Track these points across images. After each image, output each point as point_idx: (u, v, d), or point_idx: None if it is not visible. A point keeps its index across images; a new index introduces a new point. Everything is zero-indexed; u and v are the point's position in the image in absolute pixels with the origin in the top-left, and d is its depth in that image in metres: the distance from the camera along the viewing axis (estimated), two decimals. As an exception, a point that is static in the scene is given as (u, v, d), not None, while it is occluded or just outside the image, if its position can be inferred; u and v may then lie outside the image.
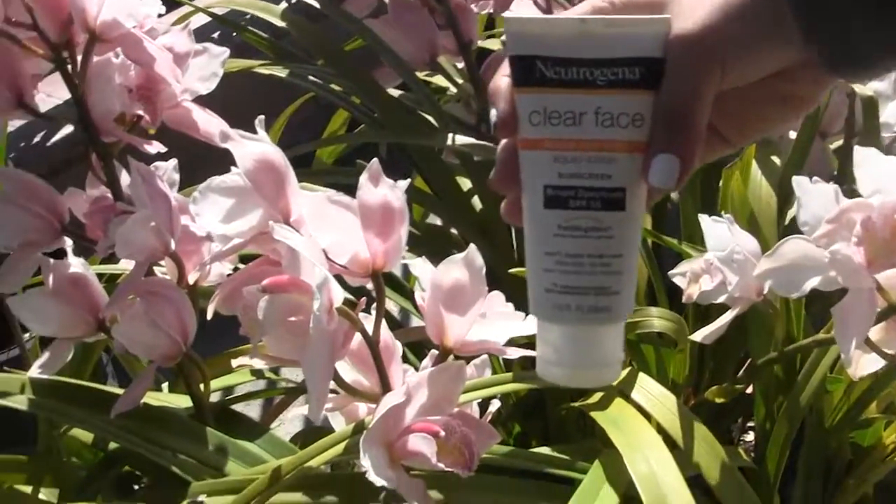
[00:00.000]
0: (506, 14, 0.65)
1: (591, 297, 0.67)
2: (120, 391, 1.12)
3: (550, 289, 0.68)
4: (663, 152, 0.64)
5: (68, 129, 1.04)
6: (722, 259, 1.15)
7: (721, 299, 1.17)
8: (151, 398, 1.14)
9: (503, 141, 0.69)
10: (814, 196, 0.99)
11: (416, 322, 1.68)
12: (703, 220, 1.19)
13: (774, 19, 0.63)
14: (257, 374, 1.27)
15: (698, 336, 1.22)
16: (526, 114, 0.67)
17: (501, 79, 0.67)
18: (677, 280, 1.25)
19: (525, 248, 0.69)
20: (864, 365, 1.07)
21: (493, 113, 0.67)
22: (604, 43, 0.65)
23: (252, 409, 1.87)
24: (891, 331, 1.02)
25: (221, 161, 0.94)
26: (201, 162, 1.14)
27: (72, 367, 1.25)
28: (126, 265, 1.19)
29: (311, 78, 1.72)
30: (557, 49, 0.65)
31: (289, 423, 1.85)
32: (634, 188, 0.66)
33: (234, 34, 1.90)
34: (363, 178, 0.89)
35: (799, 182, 1.01)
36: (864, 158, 0.94)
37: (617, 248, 0.67)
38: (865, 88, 1.51)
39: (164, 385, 1.33)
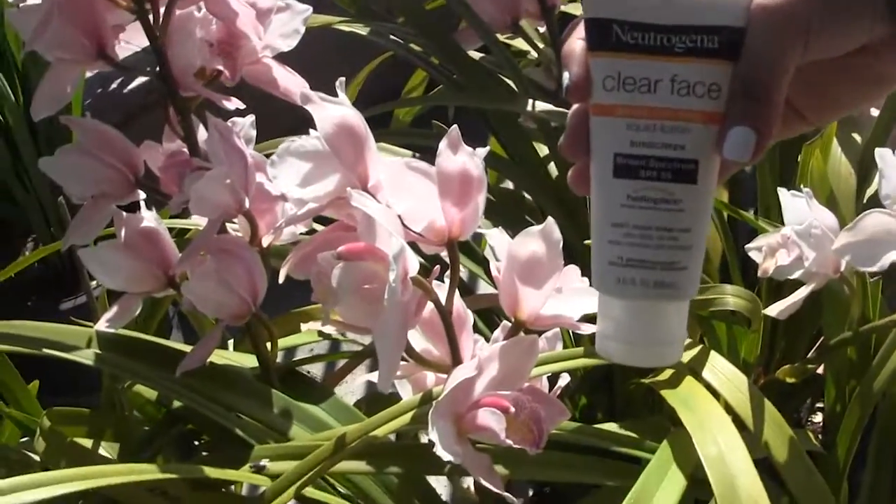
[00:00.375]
0: None
1: (657, 272, 0.66)
2: (185, 347, 1.12)
3: (615, 261, 0.66)
4: (740, 124, 0.62)
5: (145, 76, 1.04)
6: (800, 233, 1.13)
7: (797, 275, 1.16)
8: (217, 356, 1.14)
9: (574, 106, 0.67)
10: (892, 165, 0.97)
11: (483, 286, 1.67)
12: (782, 193, 1.18)
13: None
14: (322, 334, 1.26)
15: (772, 311, 1.20)
16: (600, 78, 0.65)
17: (576, 42, 0.66)
18: (753, 254, 1.23)
19: (591, 218, 0.68)
20: None
21: (566, 76, 0.66)
22: (683, 9, 0.63)
23: (315, 368, 1.87)
24: None
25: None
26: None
27: (138, 320, 1.25)
28: (198, 220, 1.18)
29: (391, 37, 1.71)
30: (635, 13, 0.63)
31: (351, 384, 1.85)
32: (707, 161, 0.65)
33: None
34: (442, 145, 0.87)
35: (882, 154, 1.00)
36: None
37: (687, 221, 0.65)
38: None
39: (230, 342, 1.33)
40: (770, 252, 1.19)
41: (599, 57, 0.65)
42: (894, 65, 0.65)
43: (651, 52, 0.63)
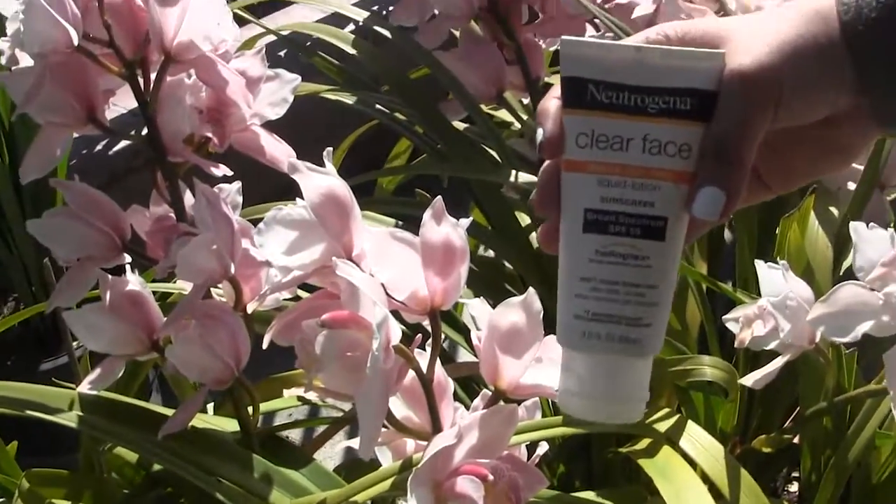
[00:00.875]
0: (563, 36, 0.66)
1: (622, 327, 0.67)
2: (165, 410, 1.13)
3: (581, 315, 0.67)
4: (710, 185, 0.63)
5: (133, 140, 1.06)
6: (775, 304, 1.15)
7: (773, 346, 1.17)
8: (198, 420, 1.14)
9: (546, 163, 0.68)
10: (870, 241, 1.00)
11: (463, 353, 1.68)
12: (759, 265, 1.20)
13: (831, 63, 0.64)
14: (302, 400, 1.27)
15: (748, 381, 1.22)
16: (573, 135, 0.67)
17: (551, 100, 0.68)
18: (730, 325, 1.25)
19: (559, 274, 0.69)
20: None
21: (540, 132, 0.67)
22: (658, 72, 0.65)
23: (294, 433, 1.87)
24: None
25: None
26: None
27: (119, 382, 1.25)
28: (182, 285, 1.19)
29: (377, 106, 1.73)
30: (611, 74, 0.65)
31: (331, 450, 1.85)
32: (676, 219, 0.66)
33: (300, 54, 1.91)
34: (427, 216, 0.89)
35: (856, 228, 1.02)
36: None
37: (653, 278, 0.67)
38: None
39: (210, 406, 1.33)
40: (747, 323, 1.21)
41: (574, 114, 0.67)
42: (856, 136, 0.68)
43: (625, 111, 0.65)
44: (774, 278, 1.17)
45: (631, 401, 0.69)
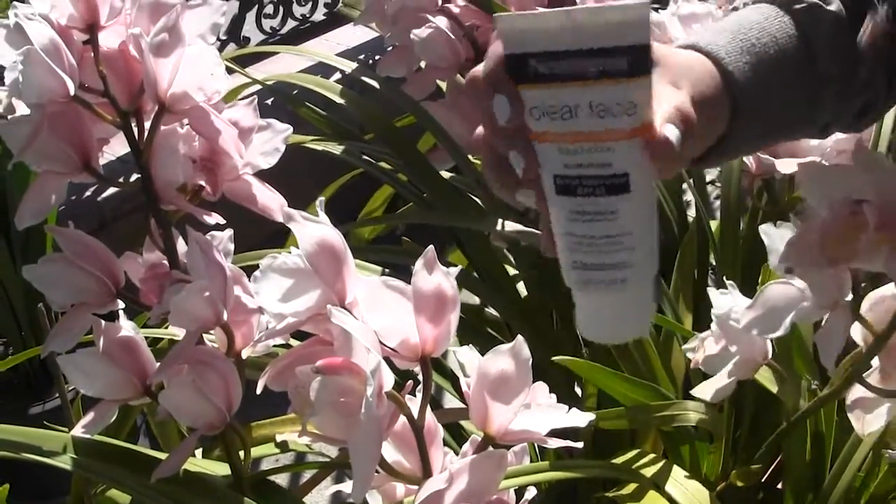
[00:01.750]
0: (496, 14, 0.69)
1: (606, 272, 0.73)
2: (153, 452, 1.14)
3: (572, 265, 0.74)
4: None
5: (128, 188, 1.08)
6: (719, 318, 1.17)
7: (728, 366, 1.19)
8: (189, 464, 1.15)
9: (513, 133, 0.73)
10: (776, 239, 1.02)
11: (449, 399, 1.70)
12: (711, 292, 1.22)
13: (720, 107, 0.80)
14: (283, 445, 1.28)
15: (702, 393, 1.23)
16: (528, 109, 0.70)
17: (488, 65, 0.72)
18: (689, 354, 1.27)
19: (552, 226, 0.74)
20: (870, 422, 1.08)
21: (500, 112, 0.71)
22: (589, 33, 0.68)
23: (281, 479, 1.88)
24: (887, 377, 1.04)
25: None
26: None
27: (110, 426, 1.26)
28: (174, 330, 1.20)
29: (363, 156, 1.75)
30: (546, 43, 0.68)
31: (318, 495, 1.86)
32: (637, 170, 0.70)
33: (288, 105, 1.93)
34: (418, 265, 0.91)
35: (766, 231, 1.04)
36: (808, 173, 0.96)
37: (627, 226, 0.72)
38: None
39: (198, 450, 1.34)
40: (700, 344, 1.23)
41: (523, 89, 0.70)
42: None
43: (567, 79, 0.69)
44: (725, 301, 1.19)
45: (632, 322, 0.77)
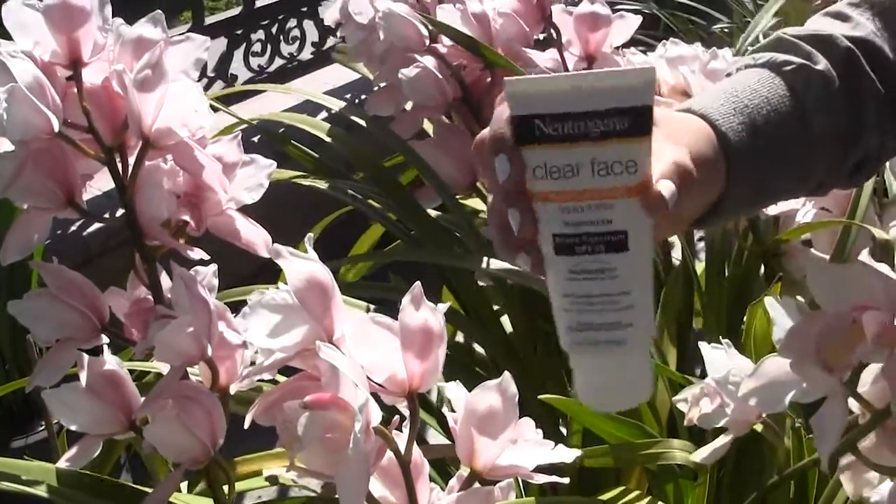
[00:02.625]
0: (506, 77, 0.71)
1: (604, 332, 0.73)
2: (138, 486, 1.14)
3: (570, 326, 0.73)
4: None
5: (112, 223, 1.08)
6: (718, 381, 1.17)
7: (722, 423, 1.19)
8: (173, 498, 1.15)
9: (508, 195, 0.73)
10: (782, 312, 1.02)
11: (434, 434, 1.69)
12: (703, 346, 1.21)
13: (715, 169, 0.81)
14: (270, 479, 1.27)
15: (698, 457, 1.23)
16: (530, 169, 0.71)
17: (502, 135, 0.73)
18: (680, 405, 1.27)
19: (549, 289, 0.74)
20: (861, 486, 1.08)
21: (501, 171, 0.72)
22: (593, 96, 0.69)
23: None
24: (881, 446, 1.03)
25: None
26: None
27: (94, 460, 1.26)
28: (159, 365, 1.20)
29: (349, 192, 1.75)
30: (552, 106, 0.70)
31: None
32: (636, 228, 0.71)
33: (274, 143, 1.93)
34: (405, 301, 0.91)
35: (770, 302, 1.04)
36: (817, 269, 0.97)
37: (625, 285, 0.72)
38: (883, 234, 1.54)
39: (184, 485, 1.33)
40: (694, 402, 1.23)
41: (526, 150, 0.71)
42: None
43: (570, 139, 0.70)
44: (719, 357, 1.19)
45: (632, 388, 0.76)
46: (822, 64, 0.89)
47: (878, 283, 0.92)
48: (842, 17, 0.95)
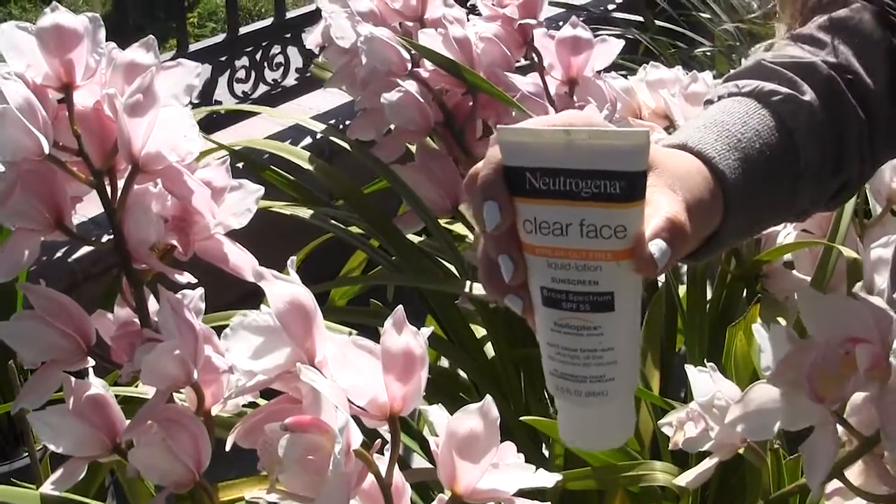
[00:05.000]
0: (499, 125, 0.71)
1: (587, 384, 0.73)
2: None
3: (553, 373, 0.74)
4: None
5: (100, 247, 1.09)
6: (703, 406, 1.18)
7: (706, 447, 1.20)
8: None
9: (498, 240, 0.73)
10: (771, 340, 1.02)
11: (418, 459, 1.70)
12: (689, 370, 1.22)
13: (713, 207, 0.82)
14: (253, 504, 1.28)
15: (682, 480, 1.24)
16: (521, 221, 0.72)
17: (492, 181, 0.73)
18: (665, 429, 1.28)
19: (536, 332, 0.75)
20: None
21: (491, 222, 0.72)
22: (587, 154, 0.69)
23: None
24: (869, 472, 1.04)
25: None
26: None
27: (78, 483, 1.26)
28: (145, 388, 1.21)
29: (332, 221, 1.76)
30: (545, 160, 0.70)
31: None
32: (623, 289, 0.71)
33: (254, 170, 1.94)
34: (388, 324, 0.92)
35: (758, 330, 1.05)
36: (809, 301, 0.98)
37: (608, 343, 0.72)
38: (853, 253, 1.55)
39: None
40: (679, 426, 1.24)
41: (518, 202, 0.71)
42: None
43: (561, 196, 0.70)
44: (704, 381, 1.20)
45: (611, 433, 0.77)
46: (808, 94, 0.90)
47: (870, 315, 0.93)
48: (816, 42, 0.96)
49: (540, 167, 0.70)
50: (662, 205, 0.73)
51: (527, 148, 0.70)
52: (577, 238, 0.70)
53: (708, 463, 1.21)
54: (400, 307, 0.93)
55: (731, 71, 0.96)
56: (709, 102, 0.93)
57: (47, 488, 1.12)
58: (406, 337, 0.92)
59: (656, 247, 0.70)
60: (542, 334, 0.74)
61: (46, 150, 1.04)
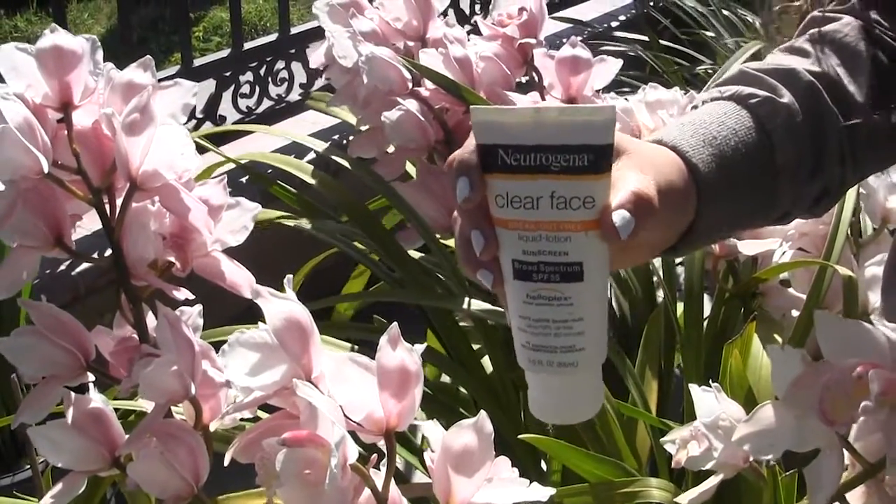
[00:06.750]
0: (472, 106, 0.75)
1: (557, 355, 0.76)
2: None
3: (524, 345, 0.77)
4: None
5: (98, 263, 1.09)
6: (707, 425, 1.18)
7: (709, 466, 1.21)
8: (156, 535, 1.17)
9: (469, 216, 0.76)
10: (784, 362, 1.03)
11: (419, 475, 1.71)
12: (693, 389, 1.23)
13: (684, 198, 0.84)
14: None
15: (684, 500, 1.25)
16: (492, 196, 0.74)
17: (468, 161, 0.75)
18: (668, 447, 1.28)
19: (507, 307, 0.77)
20: None
21: (461, 191, 0.75)
22: (556, 130, 0.72)
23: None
24: (870, 495, 1.05)
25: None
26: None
27: (79, 498, 1.27)
28: (143, 403, 1.22)
29: (338, 235, 1.77)
30: (516, 137, 0.73)
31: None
32: (592, 259, 0.74)
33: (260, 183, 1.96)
34: (383, 341, 0.93)
35: (772, 350, 1.06)
36: (826, 324, 0.98)
37: (579, 312, 0.75)
38: (847, 271, 1.56)
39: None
40: (682, 444, 1.25)
41: (490, 178, 0.74)
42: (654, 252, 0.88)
43: (531, 171, 0.73)
44: (708, 400, 1.21)
45: (582, 405, 0.79)
46: (786, 97, 0.92)
47: (886, 341, 0.93)
48: (802, 52, 0.98)
49: (512, 144, 0.73)
50: (629, 179, 0.76)
51: (499, 126, 0.73)
52: (548, 210, 0.73)
53: (711, 482, 1.22)
54: (395, 324, 0.94)
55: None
56: (694, 108, 0.95)
57: (47, 502, 1.12)
58: (401, 353, 0.93)
59: (619, 216, 0.73)
60: (513, 308, 0.77)
61: (46, 169, 1.05)
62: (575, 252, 0.74)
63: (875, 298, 1.58)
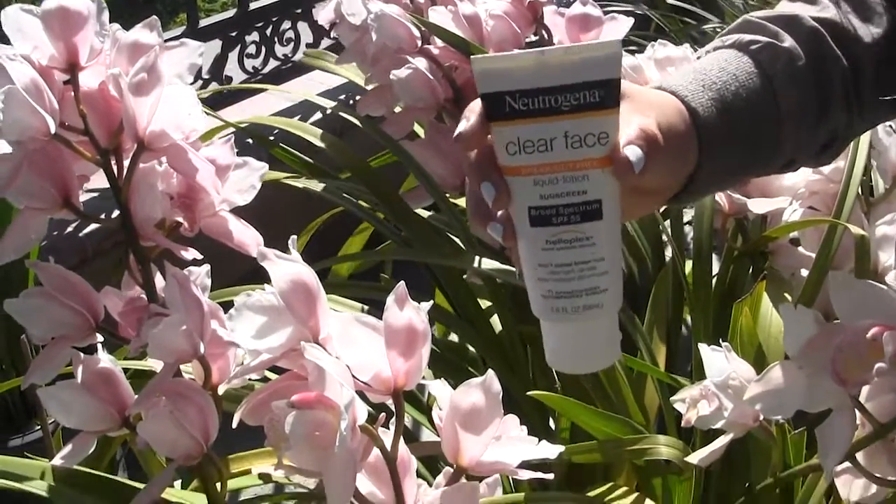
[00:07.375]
0: (472, 56, 0.74)
1: (582, 298, 0.76)
2: (132, 482, 1.15)
3: (547, 295, 0.76)
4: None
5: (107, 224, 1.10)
6: (718, 385, 1.18)
7: (719, 425, 1.21)
8: (168, 494, 1.17)
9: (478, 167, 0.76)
10: (796, 321, 1.03)
11: (427, 433, 1.71)
12: (702, 348, 1.23)
13: (686, 142, 0.83)
14: (265, 477, 1.29)
15: (694, 458, 1.25)
16: (503, 145, 0.74)
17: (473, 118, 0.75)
18: (678, 406, 1.28)
19: (521, 259, 0.77)
20: (856, 490, 1.09)
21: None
22: (563, 70, 0.72)
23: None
24: (879, 454, 1.05)
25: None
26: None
27: (90, 457, 1.28)
28: (152, 363, 1.22)
29: (344, 195, 1.77)
30: (522, 82, 0.72)
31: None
32: (609, 197, 0.74)
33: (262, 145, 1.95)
34: (390, 301, 0.93)
35: (784, 309, 1.05)
36: (839, 285, 0.98)
37: (600, 252, 0.75)
38: (859, 230, 1.56)
39: (177, 482, 1.35)
40: (692, 403, 1.25)
41: (498, 126, 0.74)
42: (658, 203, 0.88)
43: (542, 114, 0.72)
44: (718, 360, 1.21)
45: (602, 352, 0.79)
46: (788, 42, 0.92)
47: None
48: (809, 0, 0.98)
49: (518, 89, 0.72)
50: (634, 119, 0.76)
51: (503, 73, 0.73)
52: (563, 150, 0.73)
53: (722, 440, 1.22)
54: (402, 283, 0.94)
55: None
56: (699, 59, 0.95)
57: (57, 462, 1.13)
58: (408, 312, 0.93)
59: (631, 151, 0.73)
60: (530, 257, 0.76)
61: (52, 130, 1.05)
62: (593, 190, 0.74)
63: (886, 258, 1.58)
